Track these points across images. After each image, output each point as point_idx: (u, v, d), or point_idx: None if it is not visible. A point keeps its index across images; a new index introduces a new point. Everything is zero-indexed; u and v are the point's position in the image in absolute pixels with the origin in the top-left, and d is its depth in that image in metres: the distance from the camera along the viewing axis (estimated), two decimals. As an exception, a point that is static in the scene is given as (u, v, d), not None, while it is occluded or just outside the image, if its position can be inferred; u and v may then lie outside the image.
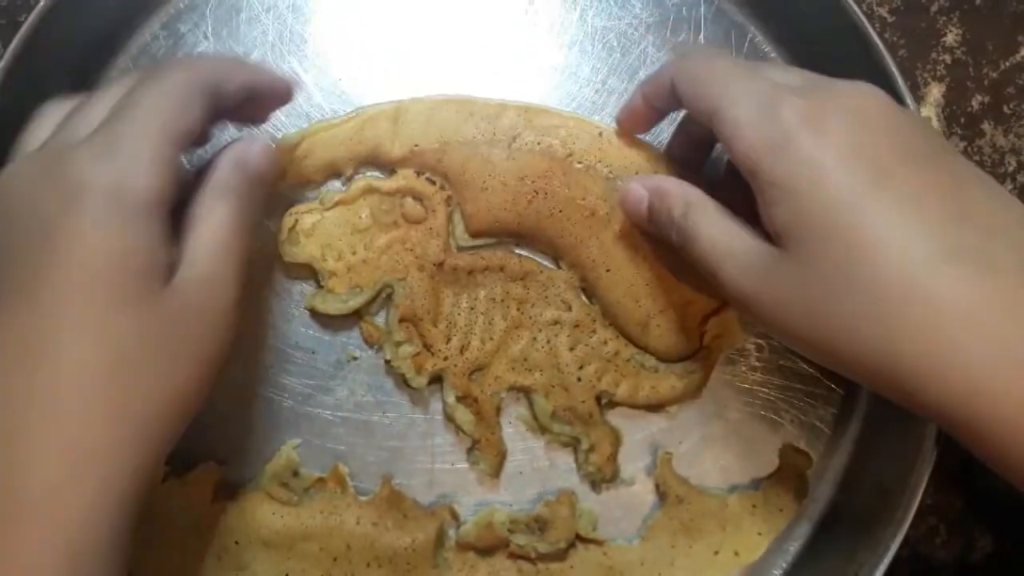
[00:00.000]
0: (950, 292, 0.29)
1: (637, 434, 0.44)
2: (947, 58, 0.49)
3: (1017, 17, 0.50)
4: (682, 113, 0.43)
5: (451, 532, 0.43)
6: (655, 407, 0.44)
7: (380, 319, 0.44)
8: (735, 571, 0.43)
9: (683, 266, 0.43)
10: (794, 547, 0.44)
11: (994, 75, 0.49)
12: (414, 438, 0.44)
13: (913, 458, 0.41)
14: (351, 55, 0.46)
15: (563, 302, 0.43)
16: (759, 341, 0.45)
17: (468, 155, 0.43)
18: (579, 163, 0.43)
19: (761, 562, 0.44)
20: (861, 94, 0.33)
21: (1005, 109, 0.49)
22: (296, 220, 0.43)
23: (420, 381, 0.43)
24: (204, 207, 0.35)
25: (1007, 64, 0.49)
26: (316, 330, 0.44)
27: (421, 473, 0.44)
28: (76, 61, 0.44)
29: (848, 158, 0.31)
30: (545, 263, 0.44)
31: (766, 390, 0.45)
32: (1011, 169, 0.49)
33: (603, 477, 0.43)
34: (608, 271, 0.43)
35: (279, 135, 0.45)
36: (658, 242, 0.43)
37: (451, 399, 0.43)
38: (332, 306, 0.43)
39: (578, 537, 0.43)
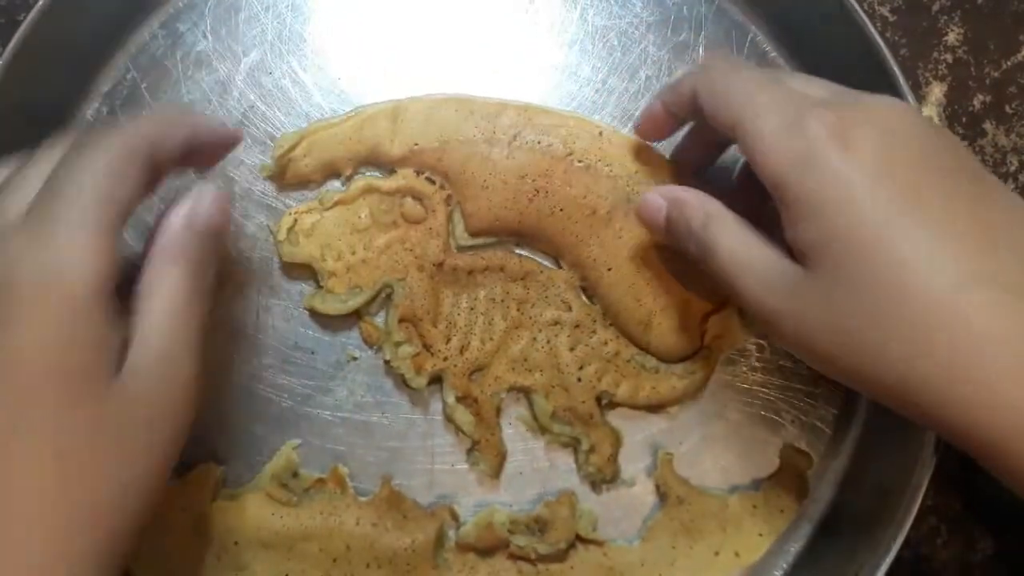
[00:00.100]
0: (977, 316, 0.29)
1: (637, 435, 0.44)
2: (948, 57, 0.49)
3: (1018, 16, 0.49)
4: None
5: (451, 533, 0.43)
6: (655, 408, 0.44)
7: (380, 319, 0.44)
8: (736, 572, 0.43)
9: (684, 265, 0.43)
10: (795, 548, 0.44)
11: (996, 74, 0.49)
12: (414, 439, 0.44)
13: (914, 459, 0.41)
14: (350, 54, 0.46)
15: (563, 302, 0.43)
16: (759, 341, 0.45)
17: (468, 154, 0.43)
18: (579, 162, 0.43)
19: (762, 563, 0.43)
20: (889, 108, 0.33)
21: (1007, 109, 0.49)
22: (295, 220, 0.43)
23: (420, 381, 0.43)
24: (154, 275, 0.33)
25: (1009, 63, 0.49)
26: (315, 330, 0.44)
27: (421, 474, 0.44)
28: (75, 60, 0.44)
29: (877, 175, 0.31)
30: (545, 263, 0.44)
31: (766, 390, 0.45)
32: (1013, 169, 0.49)
33: (603, 478, 0.43)
34: (609, 270, 0.43)
35: (278, 135, 0.45)
36: (659, 241, 0.43)
37: (451, 399, 0.43)
38: (331, 306, 0.43)
39: (578, 538, 0.43)
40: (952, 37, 0.49)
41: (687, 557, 0.43)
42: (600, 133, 0.44)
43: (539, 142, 0.43)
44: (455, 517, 0.43)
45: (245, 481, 0.43)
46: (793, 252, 0.33)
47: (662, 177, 0.44)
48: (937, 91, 0.49)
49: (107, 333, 0.30)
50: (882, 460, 0.43)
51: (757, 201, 0.35)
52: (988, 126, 0.49)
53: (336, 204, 0.44)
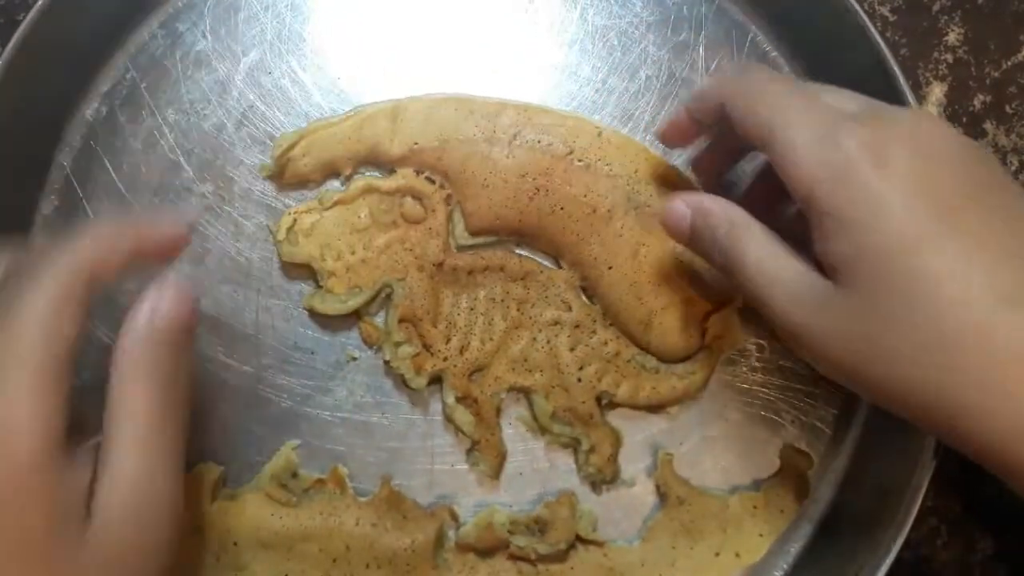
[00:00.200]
0: (1009, 336, 0.29)
1: (637, 435, 0.44)
2: (949, 57, 0.49)
3: (1019, 16, 0.49)
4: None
5: (451, 533, 0.43)
6: (656, 408, 0.44)
7: (379, 319, 0.44)
8: (736, 572, 0.43)
9: (685, 264, 0.43)
10: (795, 548, 0.44)
11: (996, 74, 0.49)
12: (413, 439, 0.44)
13: (914, 460, 0.40)
14: (350, 53, 0.46)
15: (563, 302, 0.43)
16: (759, 341, 0.45)
17: (468, 153, 0.43)
18: (579, 161, 0.43)
19: (762, 563, 0.43)
20: (923, 123, 0.32)
21: (1007, 109, 0.49)
22: (295, 220, 0.43)
23: (419, 382, 0.43)
24: (118, 394, 0.31)
25: (1009, 63, 0.49)
26: (315, 330, 0.44)
27: (421, 474, 0.44)
28: (75, 60, 0.44)
29: (911, 191, 0.30)
30: (545, 263, 0.44)
31: (766, 390, 0.45)
32: (1013, 168, 0.49)
33: (603, 478, 0.43)
34: (610, 268, 0.43)
35: (278, 135, 0.45)
36: (660, 240, 0.43)
37: (451, 400, 0.43)
38: (331, 306, 0.43)
39: (578, 538, 0.43)
40: (952, 37, 0.49)
41: (687, 557, 0.43)
42: (600, 133, 0.44)
43: (539, 141, 0.43)
44: (455, 517, 0.43)
45: (245, 481, 0.43)
46: (822, 266, 0.32)
47: (662, 177, 0.44)
48: (937, 91, 0.49)
49: (64, 487, 0.29)
50: (882, 460, 0.43)
51: (773, 210, 0.35)
52: (988, 126, 0.49)
53: (336, 204, 0.43)
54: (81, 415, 0.43)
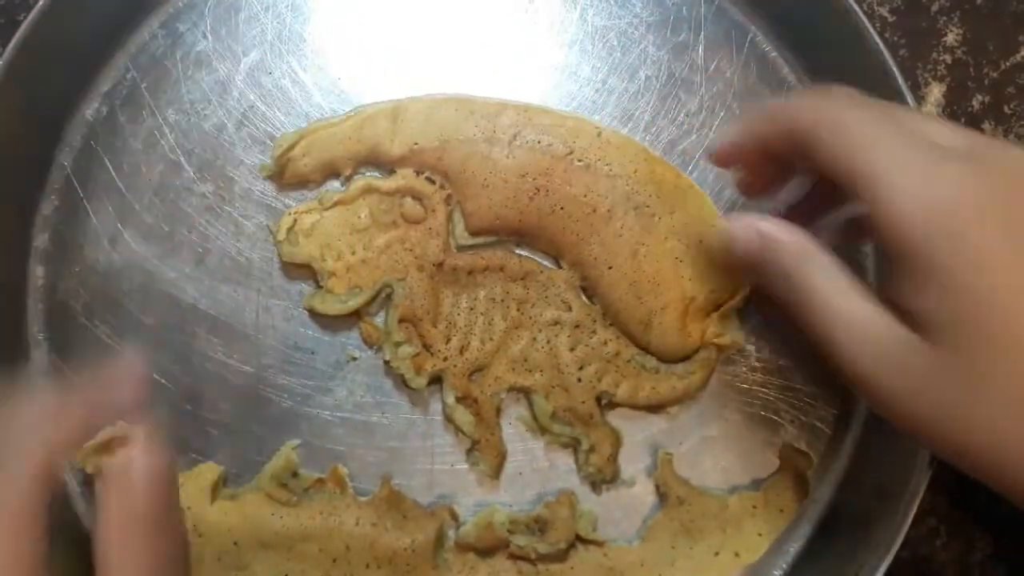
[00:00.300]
0: None
1: (637, 435, 0.44)
2: (948, 58, 0.49)
3: (1018, 17, 0.49)
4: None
5: (451, 533, 0.43)
6: (655, 408, 0.44)
7: (379, 319, 0.44)
8: (735, 572, 0.43)
9: (685, 263, 0.43)
10: (794, 548, 0.44)
11: (995, 75, 0.49)
12: (413, 439, 0.44)
13: (914, 460, 0.41)
14: (350, 54, 0.46)
15: (563, 302, 0.43)
16: (760, 341, 0.45)
17: (468, 153, 0.43)
18: (579, 161, 0.43)
19: (761, 563, 0.43)
20: None
21: (1006, 109, 0.49)
22: (295, 220, 0.43)
23: (419, 382, 0.43)
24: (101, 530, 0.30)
25: (1008, 64, 0.49)
26: (315, 330, 0.44)
27: (421, 474, 0.44)
28: (75, 60, 0.44)
29: (1023, 248, 0.28)
30: (545, 263, 0.44)
31: (766, 390, 0.45)
32: (1012, 169, 0.49)
33: (603, 478, 0.43)
34: (610, 268, 0.43)
35: (278, 135, 0.45)
36: (659, 240, 0.43)
37: (451, 400, 0.43)
38: (331, 306, 0.43)
39: (578, 538, 0.43)
40: (951, 38, 0.49)
41: (687, 557, 0.43)
42: (599, 133, 0.44)
43: (539, 141, 0.43)
44: (455, 517, 0.43)
45: (245, 481, 0.43)
46: (903, 315, 0.30)
47: (662, 177, 0.44)
48: (936, 91, 0.49)
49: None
50: (881, 461, 0.43)
51: (810, 216, 0.33)
52: (987, 127, 0.49)
53: (336, 204, 0.44)
54: None
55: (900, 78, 0.42)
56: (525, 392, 0.44)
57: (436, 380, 0.43)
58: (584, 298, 0.44)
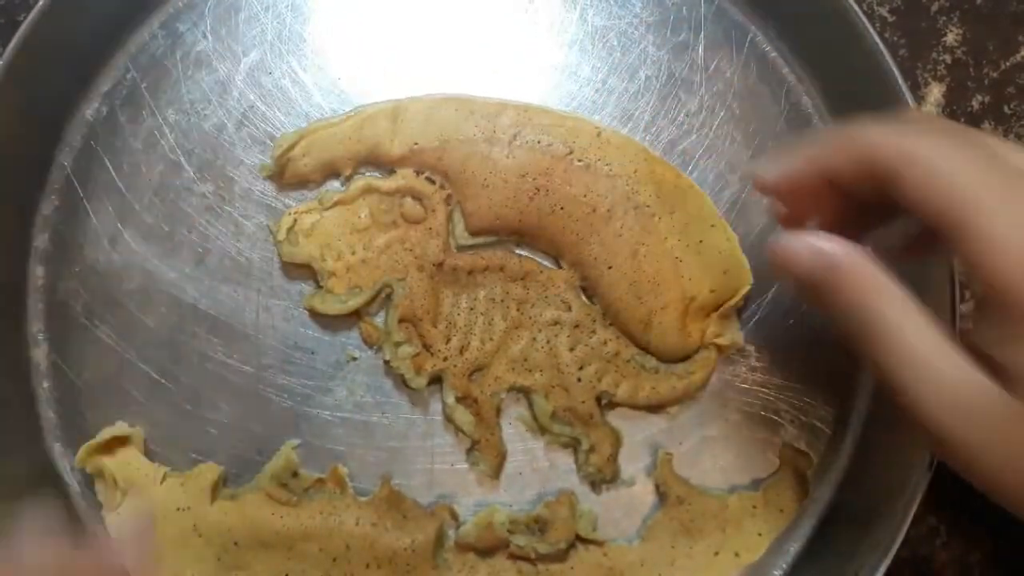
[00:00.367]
0: None
1: (637, 435, 0.44)
2: (947, 58, 0.49)
3: (1017, 17, 0.49)
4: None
5: (451, 533, 0.43)
6: (655, 408, 0.44)
7: (380, 319, 0.44)
8: (735, 572, 0.43)
9: (685, 263, 0.43)
10: (794, 548, 0.44)
11: (994, 75, 0.49)
12: (413, 439, 0.44)
13: (913, 460, 0.41)
14: (350, 54, 0.46)
15: (563, 302, 0.43)
16: (759, 341, 0.45)
17: (468, 153, 0.43)
18: (579, 161, 0.43)
19: (761, 563, 0.43)
20: None
21: (1006, 109, 0.49)
22: (295, 220, 0.43)
23: (419, 382, 0.43)
24: None
25: (1007, 64, 0.49)
26: (315, 330, 0.44)
27: (421, 474, 0.44)
28: (75, 60, 0.44)
29: None
30: (545, 263, 0.44)
31: (766, 390, 0.45)
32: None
33: (603, 478, 0.43)
34: (610, 268, 0.43)
35: (278, 135, 0.45)
36: (659, 240, 0.43)
37: (451, 400, 0.43)
38: (331, 306, 0.43)
39: (578, 538, 0.43)
40: (951, 38, 0.49)
41: (687, 557, 0.43)
42: (599, 133, 0.44)
43: (539, 141, 0.43)
44: (455, 517, 0.43)
45: (245, 481, 0.43)
46: (988, 364, 0.28)
47: (662, 177, 0.44)
48: (936, 92, 0.49)
49: None
50: (881, 460, 0.43)
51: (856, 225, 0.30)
52: (987, 127, 0.49)
53: (336, 204, 0.44)
54: (80, 415, 0.43)
55: (900, 78, 0.42)
56: (525, 392, 0.44)
57: (436, 380, 0.43)
58: (584, 298, 0.44)
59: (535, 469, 0.44)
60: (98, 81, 0.45)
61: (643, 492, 0.44)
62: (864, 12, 0.43)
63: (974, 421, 0.27)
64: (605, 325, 0.43)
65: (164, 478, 0.42)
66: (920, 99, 0.49)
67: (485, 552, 0.43)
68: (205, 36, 0.45)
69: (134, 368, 0.44)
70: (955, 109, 0.49)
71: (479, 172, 0.43)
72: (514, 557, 0.42)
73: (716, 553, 0.43)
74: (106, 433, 0.43)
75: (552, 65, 0.46)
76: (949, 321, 0.41)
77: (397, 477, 0.43)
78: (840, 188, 0.32)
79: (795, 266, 0.31)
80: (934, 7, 0.50)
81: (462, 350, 0.43)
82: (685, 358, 0.44)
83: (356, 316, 0.44)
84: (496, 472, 0.43)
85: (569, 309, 0.43)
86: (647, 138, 0.45)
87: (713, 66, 0.46)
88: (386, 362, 0.43)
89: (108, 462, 0.42)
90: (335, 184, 0.45)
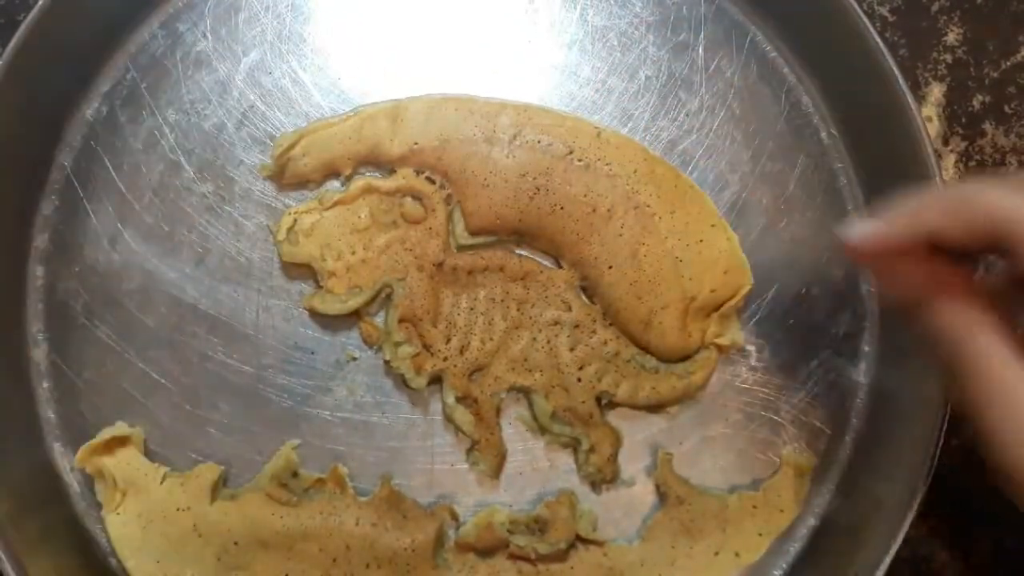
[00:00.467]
0: None
1: (637, 435, 0.44)
2: (948, 57, 0.49)
3: (1018, 17, 0.49)
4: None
5: (451, 533, 0.43)
6: (655, 408, 0.44)
7: (379, 319, 0.44)
8: (735, 572, 0.43)
9: (685, 261, 0.43)
10: (794, 548, 0.44)
11: (995, 75, 0.49)
12: (413, 439, 0.44)
13: (914, 459, 0.41)
14: (350, 54, 0.46)
15: (563, 302, 0.43)
16: (760, 342, 0.45)
17: (468, 152, 0.43)
18: (579, 161, 0.43)
19: (761, 563, 0.43)
20: None
21: (1006, 109, 0.49)
22: (295, 220, 0.43)
23: (419, 382, 0.43)
24: None
25: (1008, 64, 0.49)
26: (315, 330, 0.44)
27: (421, 473, 0.44)
28: (75, 60, 0.44)
29: None
30: (545, 263, 0.44)
31: (766, 390, 0.45)
32: (1012, 169, 0.49)
33: (603, 478, 0.43)
34: (610, 268, 0.43)
35: (278, 135, 0.45)
36: (659, 239, 0.43)
37: (451, 400, 0.43)
38: (331, 306, 0.43)
39: (578, 538, 0.43)
40: (952, 37, 0.49)
41: (687, 557, 0.43)
42: (599, 133, 0.44)
43: (539, 141, 0.43)
44: (455, 517, 0.43)
45: (245, 481, 0.43)
46: None
47: (662, 177, 0.44)
48: (936, 91, 0.49)
49: None
50: (881, 461, 0.43)
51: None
52: (987, 126, 0.49)
53: (336, 204, 0.44)
54: (80, 415, 0.43)
55: (900, 78, 0.42)
56: (525, 392, 0.44)
57: (436, 380, 0.43)
58: (584, 298, 0.44)
59: (535, 469, 0.44)
60: (98, 81, 0.45)
61: (643, 492, 0.44)
62: (864, 12, 0.43)
63: None
64: (605, 325, 0.43)
65: (164, 478, 0.42)
66: (921, 99, 0.49)
67: (485, 552, 0.42)
68: (205, 36, 0.45)
69: (134, 368, 0.44)
70: (955, 109, 0.49)
71: (479, 172, 0.43)
72: (514, 557, 0.42)
73: (716, 553, 0.43)
74: (106, 433, 0.43)
75: (552, 65, 0.46)
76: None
77: (397, 477, 0.43)
78: (941, 247, 0.31)
79: (901, 294, 0.32)
80: (935, 7, 0.49)
81: (462, 350, 0.43)
82: (685, 358, 0.44)
83: (356, 316, 0.44)
84: (496, 472, 0.43)
85: (569, 309, 0.43)
86: (647, 138, 0.45)
87: (713, 66, 0.46)
88: (386, 362, 0.43)
89: (108, 462, 0.42)
90: (335, 184, 0.45)
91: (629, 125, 0.45)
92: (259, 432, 0.44)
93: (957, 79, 0.49)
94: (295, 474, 0.43)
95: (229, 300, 0.44)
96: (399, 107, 0.44)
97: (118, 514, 0.42)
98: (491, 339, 0.43)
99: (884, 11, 0.49)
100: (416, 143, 0.43)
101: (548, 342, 0.43)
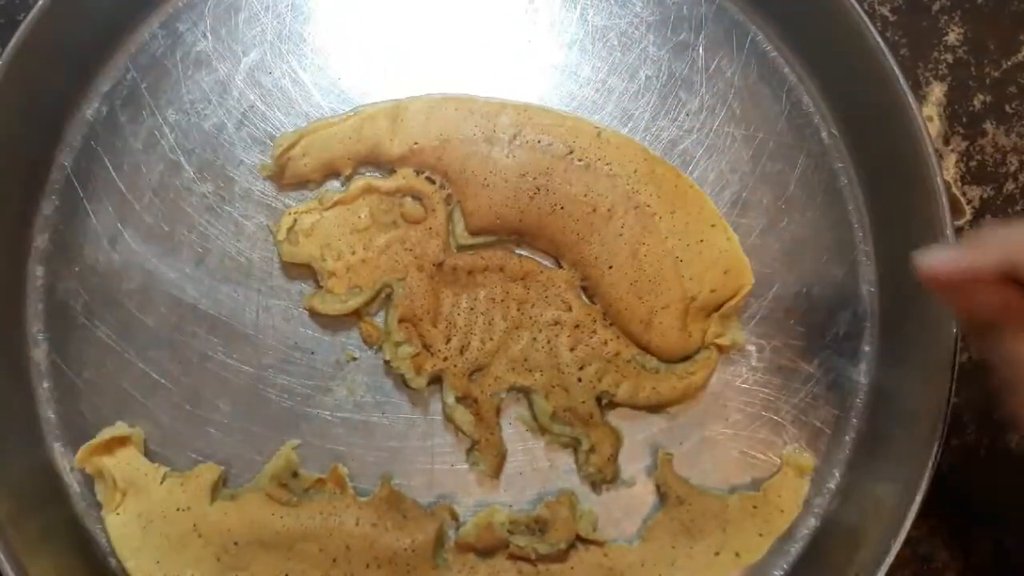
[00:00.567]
0: None
1: (638, 435, 0.44)
2: (949, 57, 0.49)
3: (1018, 16, 0.49)
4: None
5: (451, 533, 0.43)
6: (656, 408, 0.44)
7: (379, 319, 0.44)
8: (736, 572, 0.43)
9: (685, 261, 0.43)
10: (795, 548, 0.44)
11: (996, 74, 0.49)
12: (414, 439, 0.44)
13: (913, 459, 0.41)
14: (350, 54, 0.46)
15: (563, 302, 0.43)
16: (760, 342, 0.45)
17: (469, 152, 0.43)
18: (579, 160, 0.43)
19: (762, 563, 0.43)
20: None
21: (1007, 108, 0.49)
22: (295, 220, 0.43)
23: (420, 382, 0.43)
24: None
25: (1009, 63, 0.49)
26: (315, 330, 0.44)
27: (421, 474, 0.44)
28: (75, 60, 0.44)
29: None
30: (545, 263, 0.44)
31: (766, 390, 0.45)
32: (1013, 169, 0.49)
33: (603, 478, 0.43)
34: (610, 268, 0.43)
35: (278, 135, 0.45)
36: (660, 239, 0.43)
37: (451, 400, 0.43)
38: (331, 306, 0.43)
39: (578, 538, 0.43)
40: (952, 37, 0.49)
41: (687, 557, 0.43)
42: (599, 133, 0.44)
43: (539, 141, 0.43)
44: (455, 517, 0.43)
45: (245, 481, 0.43)
46: None
47: (662, 177, 0.44)
48: (937, 91, 0.49)
49: None
50: (881, 461, 0.43)
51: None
52: (988, 126, 0.49)
53: (336, 204, 0.44)
54: (80, 415, 0.43)
55: (901, 77, 0.42)
56: (525, 392, 0.44)
57: (436, 380, 0.43)
58: (584, 298, 0.44)
59: (535, 469, 0.44)
60: (98, 81, 0.45)
61: (643, 492, 0.44)
62: (865, 11, 0.43)
63: None
64: (605, 325, 0.43)
65: (164, 478, 0.42)
66: (921, 98, 0.49)
67: (485, 552, 0.42)
68: (205, 36, 0.45)
69: (134, 368, 0.44)
70: (956, 108, 0.49)
71: (479, 172, 0.43)
72: (514, 557, 0.42)
73: (716, 553, 0.43)
74: (106, 433, 0.43)
75: (552, 65, 0.46)
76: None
77: (397, 477, 0.43)
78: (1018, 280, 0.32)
79: (966, 313, 0.33)
80: (935, 6, 0.49)
81: (462, 350, 0.43)
82: (686, 358, 0.44)
83: (356, 316, 0.44)
84: (496, 472, 0.43)
85: (569, 309, 0.43)
86: (647, 138, 0.45)
87: (714, 66, 0.46)
88: (386, 362, 0.43)
89: (108, 462, 0.42)
90: (335, 184, 0.45)
91: (629, 125, 0.45)
92: (259, 432, 0.44)
93: (958, 79, 0.49)
94: (295, 474, 0.43)
95: (229, 300, 0.44)
96: (399, 107, 0.44)
97: (118, 514, 0.42)
98: (491, 339, 0.43)
99: (885, 11, 0.49)
100: (416, 143, 0.43)
101: (548, 342, 0.43)
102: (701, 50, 0.46)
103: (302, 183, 0.44)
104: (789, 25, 0.46)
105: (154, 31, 0.46)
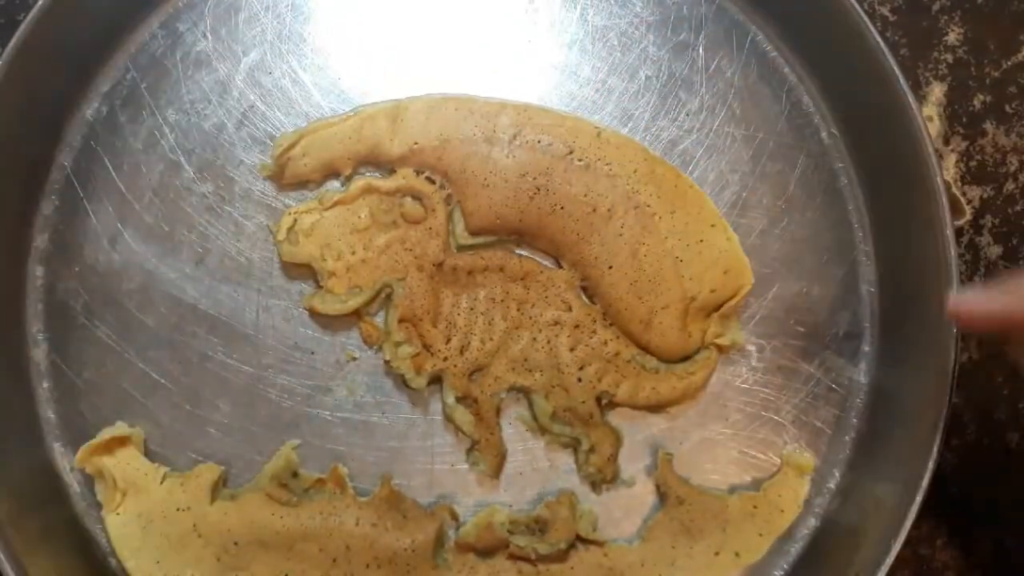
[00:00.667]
0: None
1: (637, 435, 0.44)
2: (949, 57, 0.49)
3: (1018, 16, 0.49)
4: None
5: (451, 533, 0.43)
6: (656, 408, 0.44)
7: (379, 319, 0.44)
8: (736, 572, 0.43)
9: (685, 261, 0.43)
10: (795, 548, 0.44)
11: (996, 74, 0.49)
12: (414, 439, 0.44)
13: (914, 459, 0.40)
14: (350, 54, 0.46)
15: (563, 302, 0.43)
16: (760, 342, 0.45)
17: (469, 152, 0.43)
18: (579, 160, 0.43)
19: (762, 563, 0.43)
20: None
21: (1007, 108, 0.49)
22: (295, 220, 0.43)
23: (420, 382, 0.43)
24: None
25: (1009, 63, 0.49)
26: (315, 330, 0.44)
27: (421, 473, 0.44)
28: (75, 60, 0.44)
29: None
30: (545, 263, 0.44)
31: (766, 390, 0.45)
32: (1013, 169, 0.49)
33: (603, 478, 0.43)
34: (610, 268, 0.43)
35: (278, 135, 0.45)
36: (660, 239, 0.43)
37: (451, 400, 0.43)
38: (331, 306, 0.43)
39: (578, 538, 0.43)
40: (952, 37, 0.49)
41: (687, 557, 0.43)
42: (599, 133, 0.44)
43: (539, 141, 0.43)
44: (455, 517, 0.43)
45: (245, 481, 0.43)
46: None
47: (662, 177, 0.44)
48: (937, 91, 0.49)
49: None
50: (881, 461, 0.43)
51: None
52: (988, 126, 0.49)
53: (336, 204, 0.44)
54: (80, 415, 0.43)
55: (901, 77, 0.42)
56: (525, 392, 0.44)
57: (436, 380, 0.43)
58: (584, 298, 0.44)
59: (535, 469, 0.44)
60: (98, 81, 0.45)
61: (643, 492, 0.44)
62: (865, 11, 0.43)
63: None
64: (605, 325, 0.43)
65: (164, 478, 0.42)
66: (921, 98, 0.49)
67: (485, 552, 0.42)
68: (205, 36, 0.45)
69: (134, 368, 0.44)
70: (956, 108, 0.49)
71: (479, 172, 0.43)
72: (514, 557, 0.42)
73: (716, 553, 0.43)
74: (106, 433, 0.43)
75: (552, 65, 0.46)
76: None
77: (397, 477, 0.43)
78: None
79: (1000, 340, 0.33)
80: (935, 6, 0.49)
81: (462, 350, 0.43)
82: (685, 358, 0.44)
83: (356, 316, 0.44)
84: (496, 472, 0.43)
85: (569, 309, 0.43)
86: (647, 138, 0.45)
87: (714, 66, 0.46)
88: (386, 362, 0.43)
89: (108, 462, 0.42)
90: (335, 184, 0.45)
91: (629, 125, 0.45)
92: (259, 432, 0.44)
93: (958, 79, 0.49)
94: (295, 474, 0.43)
95: (229, 300, 0.44)
96: (399, 107, 0.44)
97: (118, 514, 0.42)
98: (491, 339, 0.43)
99: (885, 11, 0.49)
100: (416, 143, 0.43)
101: (548, 342, 0.43)
102: (701, 50, 0.46)
103: (302, 183, 0.44)
104: (789, 25, 0.46)
105: (154, 31, 0.46)
